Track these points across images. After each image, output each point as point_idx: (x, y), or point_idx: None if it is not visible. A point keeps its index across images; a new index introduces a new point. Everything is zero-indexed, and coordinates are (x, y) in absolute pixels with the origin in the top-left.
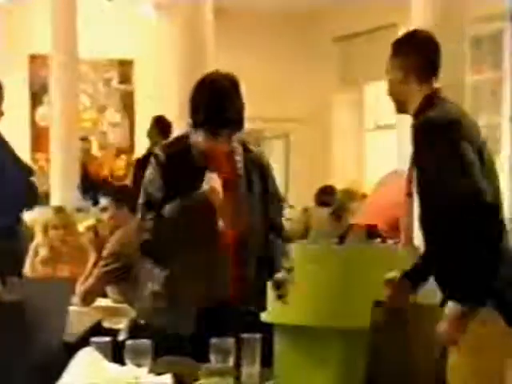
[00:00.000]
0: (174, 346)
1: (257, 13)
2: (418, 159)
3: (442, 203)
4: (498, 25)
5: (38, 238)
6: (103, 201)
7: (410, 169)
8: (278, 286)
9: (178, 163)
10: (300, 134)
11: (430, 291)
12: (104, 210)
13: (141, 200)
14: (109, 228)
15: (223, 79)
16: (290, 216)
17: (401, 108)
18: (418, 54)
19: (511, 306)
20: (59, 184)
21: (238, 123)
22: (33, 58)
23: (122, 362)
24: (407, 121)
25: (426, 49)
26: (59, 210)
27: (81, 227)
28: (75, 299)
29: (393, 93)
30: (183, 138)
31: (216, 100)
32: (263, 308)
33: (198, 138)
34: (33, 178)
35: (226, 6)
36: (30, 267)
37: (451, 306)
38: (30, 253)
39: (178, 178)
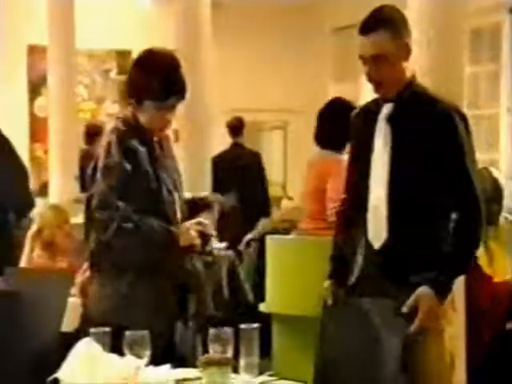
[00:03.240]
0: None
1: (254, 4)
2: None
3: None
4: (497, 17)
5: (35, 232)
6: None
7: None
8: None
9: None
10: (298, 124)
11: None
12: None
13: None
14: None
15: (165, 54)
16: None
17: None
18: (406, 29)
19: None
20: (57, 175)
21: (183, 92)
22: (31, 49)
23: (120, 353)
24: None
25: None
26: (57, 208)
27: (79, 219)
28: (74, 290)
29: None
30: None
31: (166, 71)
32: None
33: (145, 115)
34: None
35: None
36: (27, 259)
37: (428, 293)
38: (27, 245)
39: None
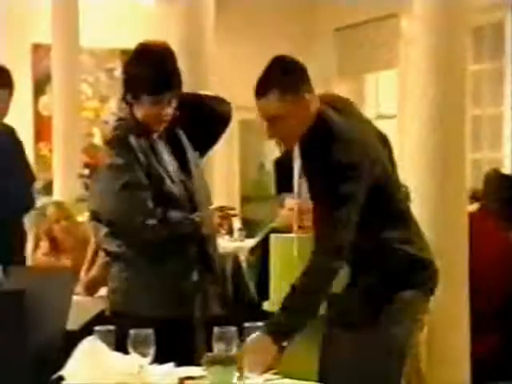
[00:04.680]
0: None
1: (257, 2)
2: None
3: None
4: (499, 15)
5: (39, 229)
6: None
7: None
8: None
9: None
10: None
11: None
12: None
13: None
14: None
15: (159, 47)
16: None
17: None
18: (301, 83)
19: None
20: (62, 173)
21: (179, 85)
22: (36, 48)
23: (125, 351)
24: (408, 110)
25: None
26: (58, 204)
27: (84, 217)
28: (79, 288)
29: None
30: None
31: (160, 65)
32: None
33: (142, 110)
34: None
35: None
36: (31, 258)
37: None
38: (30, 244)
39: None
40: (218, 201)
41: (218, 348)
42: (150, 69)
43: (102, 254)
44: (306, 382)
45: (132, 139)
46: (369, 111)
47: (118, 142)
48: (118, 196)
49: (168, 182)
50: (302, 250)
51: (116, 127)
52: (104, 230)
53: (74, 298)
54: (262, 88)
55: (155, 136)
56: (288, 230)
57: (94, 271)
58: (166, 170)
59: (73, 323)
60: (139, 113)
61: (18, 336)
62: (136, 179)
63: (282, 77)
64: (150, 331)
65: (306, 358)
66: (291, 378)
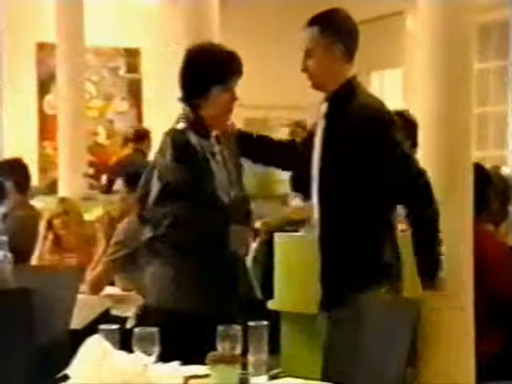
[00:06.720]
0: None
1: (261, 1)
2: None
3: None
4: (505, 13)
5: (44, 227)
6: (118, 183)
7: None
8: None
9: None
10: (308, 122)
11: None
12: (117, 192)
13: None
14: (119, 211)
15: (208, 44)
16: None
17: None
18: (344, 35)
19: None
20: (66, 172)
21: (241, 70)
22: (40, 47)
23: (129, 350)
24: (413, 109)
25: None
26: (62, 200)
27: (88, 216)
28: (83, 287)
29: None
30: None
31: (224, 56)
32: None
33: (212, 102)
34: None
35: None
36: (38, 256)
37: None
38: (39, 243)
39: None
40: None
41: (222, 347)
42: (212, 61)
43: (108, 252)
44: (310, 381)
45: (194, 141)
46: None
47: (176, 145)
48: (161, 197)
49: (219, 187)
50: (307, 250)
51: (176, 129)
52: (149, 233)
53: (79, 296)
54: (310, 20)
55: (213, 136)
56: (292, 227)
57: (99, 270)
58: (219, 176)
59: (77, 322)
60: (209, 106)
61: (25, 334)
62: (181, 181)
63: (331, 21)
64: (154, 329)
65: (309, 356)
66: (295, 376)
